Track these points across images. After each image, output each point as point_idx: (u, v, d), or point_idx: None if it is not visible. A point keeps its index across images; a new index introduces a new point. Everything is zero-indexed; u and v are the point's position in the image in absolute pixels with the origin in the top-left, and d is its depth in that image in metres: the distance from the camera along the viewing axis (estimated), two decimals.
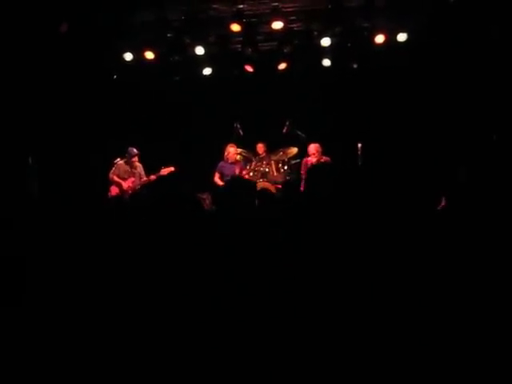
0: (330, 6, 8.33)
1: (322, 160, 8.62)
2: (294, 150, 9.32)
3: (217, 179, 9.00)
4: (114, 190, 8.52)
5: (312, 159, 8.73)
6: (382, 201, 2.75)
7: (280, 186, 8.99)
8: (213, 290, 2.31)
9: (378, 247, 2.38)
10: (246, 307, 2.25)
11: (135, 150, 8.58)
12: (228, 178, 8.79)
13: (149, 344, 2.17)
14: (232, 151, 9.07)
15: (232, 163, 9.12)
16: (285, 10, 8.52)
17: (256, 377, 2.07)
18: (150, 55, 9.05)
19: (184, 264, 2.44)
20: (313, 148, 8.77)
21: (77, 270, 2.63)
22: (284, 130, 9.35)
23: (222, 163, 9.08)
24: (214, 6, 8.53)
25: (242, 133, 9.40)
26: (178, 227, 2.63)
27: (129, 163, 8.60)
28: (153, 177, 8.55)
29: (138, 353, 2.15)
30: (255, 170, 9.19)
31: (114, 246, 2.78)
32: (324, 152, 8.78)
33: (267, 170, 9.28)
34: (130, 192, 8.34)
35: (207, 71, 9.64)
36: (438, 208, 3.63)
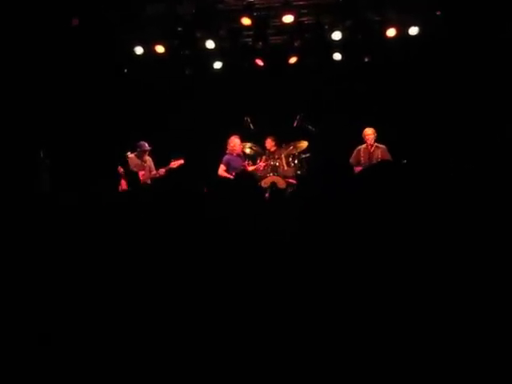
0: (340, 0, 8.29)
1: (380, 149, 8.56)
2: (305, 144, 9.30)
3: (222, 172, 8.77)
4: (123, 184, 8.54)
5: (369, 143, 8.61)
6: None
7: (290, 180, 8.99)
8: (217, 287, 2.31)
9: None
10: (250, 306, 2.25)
11: (147, 146, 8.57)
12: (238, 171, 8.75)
13: (149, 342, 2.18)
14: (238, 142, 8.94)
15: (238, 155, 8.98)
16: (295, 3, 8.50)
17: (256, 377, 2.07)
18: (160, 49, 9.06)
19: (188, 261, 2.44)
20: (370, 131, 8.61)
21: (86, 264, 2.64)
22: (294, 124, 9.33)
23: (228, 156, 8.85)
24: None
25: (252, 127, 9.37)
26: (184, 224, 2.63)
27: (139, 156, 8.61)
28: (162, 170, 8.54)
29: (137, 352, 2.15)
30: (265, 165, 9.17)
31: (122, 241, 2.79)
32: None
33: (277, 164, 9.27)
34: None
35: (218, 65, 9.65)
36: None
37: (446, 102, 9.02)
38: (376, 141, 8.59)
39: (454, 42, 8.59)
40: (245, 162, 9.09)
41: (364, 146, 8.67)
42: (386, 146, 8.57)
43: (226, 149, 8.89)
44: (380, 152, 8.49)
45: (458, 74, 8.79)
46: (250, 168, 8.99)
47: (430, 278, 2.21)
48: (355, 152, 8.75)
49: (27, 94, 8.12)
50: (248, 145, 9.44)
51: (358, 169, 8.26)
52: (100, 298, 2.39)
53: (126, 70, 9.50)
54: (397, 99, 9.53)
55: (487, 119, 8.45)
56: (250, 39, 9.26)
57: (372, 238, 2.45)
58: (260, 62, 9.62)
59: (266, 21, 8.86)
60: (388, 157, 8.33)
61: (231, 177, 8.68)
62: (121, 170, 8.50)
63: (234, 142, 8.87)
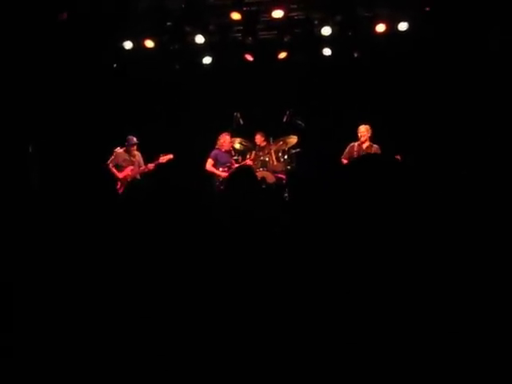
0: None
1: (373, 148, 8.54)
2: (294, 140, 9.31)
3: (210, 167, 8.84)
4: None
5: (362, 142, 8.56)
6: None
7: (280, 176, 9.01)
8: (212, 285, 2.31)
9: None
10: (246, 304, 2.26)
11: (134, 139, 8.56)
12: (226, 166, 8.78)
13: (147, 342, 2.18)
14: (228, 139, 8.97)
15: (226, 151, 9.02)
16: None
17: (255, 377, 2.08)
18: (149, 44, 9.04)
19: (183, 258, 2.44)
20: (364, 129, 8.56)
21: (77, 261, 2.64)
22: (284, 120, 9.33)
23: (216, 151, 8.92)
24: None
25: (241, 122, 9.38)
26: (177, 220, 2.63)
27: (128, 151, 8.59)
28: (151, 165, 8.54)
29: (137, 352, 2.16)
30: (255, 160, 9.19)
31: (114, 237, 2.78)
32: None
33: (267, 159, 9.29)
34: (129, 180, 8.34)
35: (207, 60, 9.62)
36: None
37: (435, 97, 9.06)
38: (370, 140, 8.58)
39: (443, 37, 8.63)
40: (233, 158, 9.10)
41: (358, 142, 8.63)
42: (379, 145, 8.57)
43: (215, 144, 8.92)
44: (373, 151, 8.48)
45: (447, 69, 8.83)
46: (236, 165, 8.97)
47: (415, 270, 2.23)
48: (348, 148, 8.72)
49: (16, 89, 8.06)
50: (238, 140, 9.44)
51: None
52: (96, 297, 2.38)
53: (115, 65, 9.45)
54: (385, 95, 9.56)
55: (478, 115, 8.48)
56: (240, 34, 9.26)
57: (358, 231, 2.46)
58: (249, 57, 9.61)
59: (255, 16, 8.84)
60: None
61: (218, 172, 8.73)
62: (110, 166, 8.49)
63: (225, 138, 8.92)
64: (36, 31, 7.84)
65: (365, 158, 3.06)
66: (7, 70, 7.82)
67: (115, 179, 8.46)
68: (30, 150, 8.28)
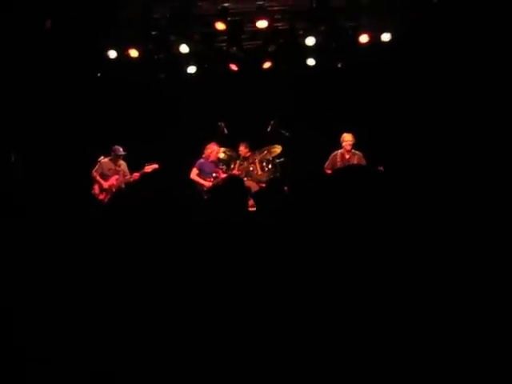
0: (314, 6, 8.36)
1: (356, 156, 8.56)
2: (279, 149, 9.36)
3: (194, 176, 8.79)
4: (96, 189, 8.50)
5: (346, 149, 8.58)
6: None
7: (264, 185, 9.01)
8: (203, 292, 2.31)
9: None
10: (240, 309, 2.25)
11: (121, 150, 8.54)
12: (211, 176, 8.75)
13: (143, 345, 2.17)
14: (216, 150, 8.95)
15: (212, 162, 8.97)
16: (270, 8, 8.55)
17: (255, 377, 2.08)
18: (134, 53, 9.01)
19: (172, 265, 2.43)
20: (349, 137, 8.57)
21: (59, 269, 2.61)
22: (268, 129, 9.37)
23: (202, 160, 8.87)
24: (199, 3, 8.53)
25: (226, 131, 9.39)
26: (166, 228, 2.62)
27: (113, 161, 8.57)
28: (136, 174, 8.51)
29: (137, 352, 2.14)
30: (239, 169, 9.20)
31: (98, 246, 2.76)
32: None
33: (251, 168, 9.31)
34: (114, 190, 8.31)
35: (192, 69, 9.62)
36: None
37: (418, 107, 9.14)
38: (353, 147, 8.59)
39: (426, 48, 8.73)
40: (218, 168, 9.08)
41: (341, 151, 8.65)
42: (362, 152, 8.61)
43: (202, 153, 8.88)
44: (356, 158, 8.51)
45: (430, 79, 8.92)
46: (223, 175, 8.94)
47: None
48: (331, 157, 8.74)
49: None
50: (222, 149, 9.45)
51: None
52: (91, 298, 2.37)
53: (99, 74, 9.42)
54: (368, 104, 9.63)
55: (461, 124, 8.55)
56: (224, 44, 9.29)
57: (343, 240, 2.47)
58: (234, 67, 9.64)
59: (240, 26, 8.89)
60: (364, 164, 8.37)
61: (202, 181, 8.69)
62: (94, 174, 8.45)
63: (212, 148, 8.89)
64: (20, 39, 7.79)
65: (348, 170, 3.09)
66: None
67: (101, 189, 8.44)
68: (13, 159, 8.20)
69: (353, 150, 8.58)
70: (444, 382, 1.97)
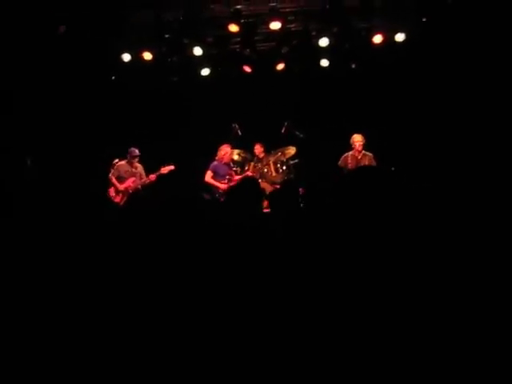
0: (327, 7, 8.34)
1: (367, 156, 8.55)
2: (293, 151, 9.33)
3: (209, 178, 8.77)
4: (111, 191, 8.54)
5: (358, 151, 8.56)
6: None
7: (278, 187, 9.00)
8: (213, 293, 2.31)
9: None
10: (246, 309, 2.25)
11: (137, 151, 8.59)
12: (225, 178, 8.75)
13: (144, 345, 2.17)
14: (229, 152, 8.95)
15: (226, 164, 8.95)
16: (283, 10, 8.54)
17: (255, 376, 2.07)
18: (148, 56, 9.04)
19: (185, 267, 2.43)
20: (359, 137, 8.55)
21: (75, 272, 2.63)
22: (282, 131, 9.36)
23: (216, 163, 8.84)
24: (212, 6, 8.55)
25: (240, 133, 9.40)
26: (180, 230, 2.62)
27: (129, 163, 8.61)
28: (153, 176, 8.54)
29: (136, 352, 2.15)
30: (254, 171, 9.20)
31: (113, 249, 2.77)
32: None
33: (266, 170, 9.29)
34: (130, 192, 8.35)
35: (205, 72, 9.65)
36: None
37: (433, 106, 9.09)
38: (364, 148, 8.58)
39: (440, 48, 8.67)
40: (232, 170, 9.07)
41: (352, 152, 8.63)
42: (372, 153, 8.58)
43: (215, 155, 8.88)
44: (367, 159, 8.50)
45: (445, 79, 8.87)
46: (237, 177, 8.93)
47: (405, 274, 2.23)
48: (342, 158, 8.72)
49: (15, 101, 8.08)
50: (236, 151, 9.46)
51: None
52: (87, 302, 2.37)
53: (113, 78, 9.47)
54: (383, 105, 9.59)
55: (475, 125, 8.49)
56: (238, 46, 9.30)
57: (355, 240, 2.46)
58: (247, 69, 9.65)
59: (253, 28, 8.88)
60: (374, 164, 8.35)
61: (217, 184, 8.69)
62: (111, 178, 8.50)
63: (226, 150, 8.85)
64: (35, 45, 7.86)
65: (362, 171, 3.09)
66: (7, 82, 7.83)
67: (116, 191, 8.49)
68: (29, 163, 8.27)
69: (363, 151, 8.55)
70: (444, 381, 1.96)
